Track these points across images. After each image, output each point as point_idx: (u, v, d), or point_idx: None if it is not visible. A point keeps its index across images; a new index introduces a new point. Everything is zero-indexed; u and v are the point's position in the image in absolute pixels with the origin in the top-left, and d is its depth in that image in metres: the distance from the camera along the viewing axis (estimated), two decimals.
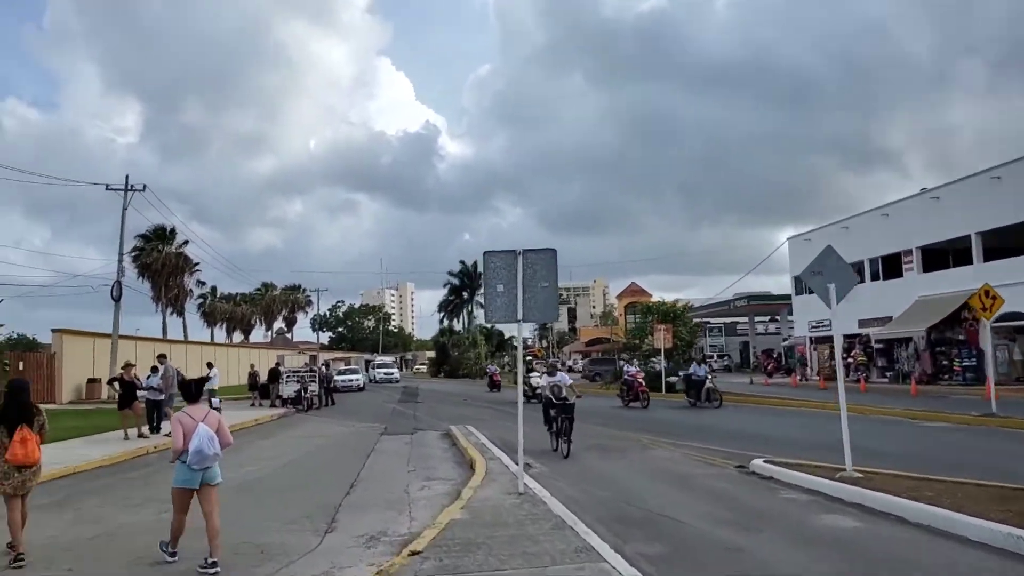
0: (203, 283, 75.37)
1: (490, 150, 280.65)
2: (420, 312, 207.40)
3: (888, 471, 9.93)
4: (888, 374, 36.32)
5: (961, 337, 32.01)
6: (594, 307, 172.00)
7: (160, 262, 57.10)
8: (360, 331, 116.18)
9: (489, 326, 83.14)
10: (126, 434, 17.19)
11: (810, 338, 44.47)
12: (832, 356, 42.47)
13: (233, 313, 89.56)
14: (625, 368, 28.36)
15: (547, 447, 14.05)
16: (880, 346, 37.29)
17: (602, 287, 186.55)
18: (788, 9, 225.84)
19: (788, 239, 47.29)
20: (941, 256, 34.80)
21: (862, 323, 37.20)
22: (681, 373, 28.76)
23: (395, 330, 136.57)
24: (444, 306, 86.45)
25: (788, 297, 49.11)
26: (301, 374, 30.62)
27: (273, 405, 29.49)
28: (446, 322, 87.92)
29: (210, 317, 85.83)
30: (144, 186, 35.05)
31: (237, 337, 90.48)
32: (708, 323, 67.68)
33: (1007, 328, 28.81)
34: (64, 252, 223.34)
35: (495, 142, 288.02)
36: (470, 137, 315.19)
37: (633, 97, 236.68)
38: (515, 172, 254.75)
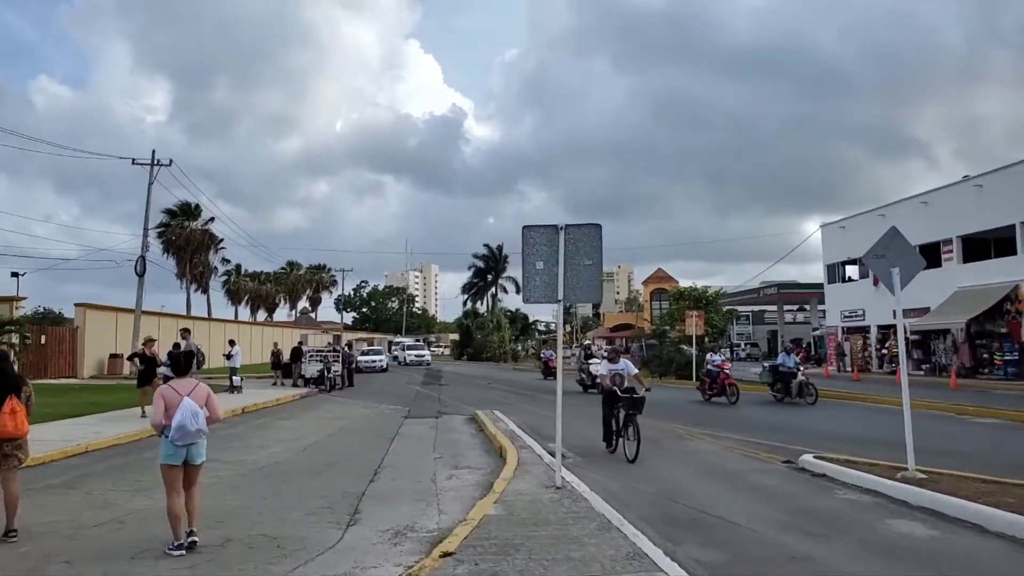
0: (228, 261, 75.62)
1: (516, 134, 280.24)
2: (443, 294, 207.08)
3: (954, 472, 9.18)
4: (924, 367, 35.19)
5: (1003, 330, 30.83)
6: (618, 292, 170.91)
7: (185, 238, 57.15)
8: (384, 312, 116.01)
9: (513, 309, 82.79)
10: (143, 411, 16.60)
11: (842, 328, 43.36)
12: (865, 347, 41.54)
13: (258, 291, 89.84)
14: (709, 356, 25.23)
15: (592, 441, 12.60)
16: (916, 338, 36.10)
17: (627, 272, 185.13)
18: None
19: (821, 226, 46.05)
20: (982, 246, 33.58)
21: None
22: (767, 364, 26.47)
23: (419, 312, 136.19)
24: (468, 288, 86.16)
25: (819, 286, 47.81)
26: (324, 354, 30.03)
27: (295, 385, 29.12)
28: (470, 304, 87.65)
29: (234, 295, 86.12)
30: (171, 161, 34.86)
31: (261, 315, 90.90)
32: (736, 311, 66.58)
33: None
34: (93, 227, 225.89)
35: (522, 126, 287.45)
36: (497, 120, 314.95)
37: (661, 82, 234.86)
38: (541, 156, 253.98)
